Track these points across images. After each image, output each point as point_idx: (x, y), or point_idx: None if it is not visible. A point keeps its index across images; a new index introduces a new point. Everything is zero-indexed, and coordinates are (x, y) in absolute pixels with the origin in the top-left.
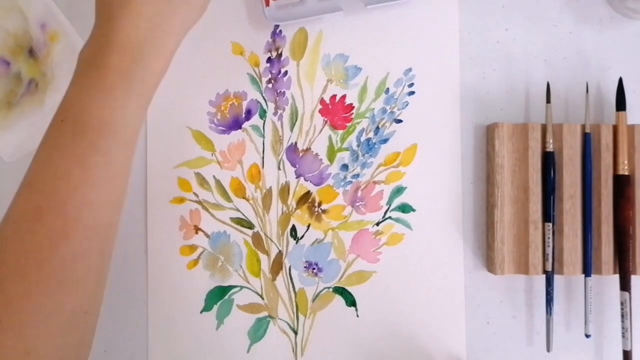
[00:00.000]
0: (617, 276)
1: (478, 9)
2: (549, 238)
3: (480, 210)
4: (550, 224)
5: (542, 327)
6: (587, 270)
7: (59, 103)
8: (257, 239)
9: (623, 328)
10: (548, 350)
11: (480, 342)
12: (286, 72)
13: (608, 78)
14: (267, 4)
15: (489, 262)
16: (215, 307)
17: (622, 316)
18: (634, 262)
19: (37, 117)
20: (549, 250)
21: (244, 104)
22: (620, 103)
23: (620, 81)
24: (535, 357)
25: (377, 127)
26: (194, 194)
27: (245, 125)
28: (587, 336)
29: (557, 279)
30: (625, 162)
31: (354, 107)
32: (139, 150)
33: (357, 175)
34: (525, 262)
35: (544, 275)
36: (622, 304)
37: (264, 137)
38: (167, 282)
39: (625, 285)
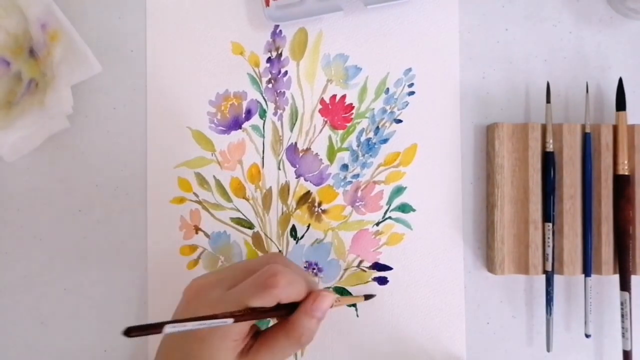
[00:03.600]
0: (617, 276)
1: (478, 9)
2: (549, 238)
3: (480, 210)
4: (550, 224)
5: (542, 327)
6: (587, 270)
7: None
8: (257, 239)
9: (623, 328)
10: (548, 350)
11: (480, 342)
12: (286, 72)
13: (608, 78)
14: (267, 4)
15: (489, 262)
16: None
17: (622, 316)
18: (634, 262)
19: (37, 117)
20: (549, 250)
21: (244, 104)
22: (620, 103)
23: (620, 81)
24: (535, 357)
25: (377, 127)
26: (194, 193)
27: (245, 125)
28: (587, 336)
29: (557, 279)
30: (625, 162)
31: (353, 107)
32: (138, 150)
33: (357, 175)
34: (525, 262)
35: (544, 275)
36: (622, 304)
37: (264, 137)
38: (167, 282)
39: (625, 285)
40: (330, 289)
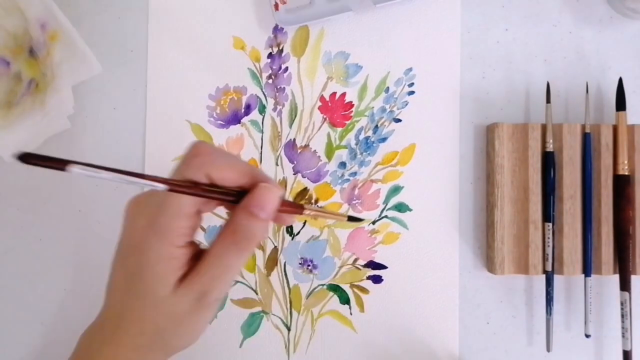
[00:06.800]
0: (617, 276)
1: (478, 9)
2: (549, 238)
3: (480, 210)
4: (550, 224)
5: (542, 327)
6: (587, 270)
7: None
8: None
9: (623, 328)
10: (548, 350)
11: (480, 342)
12: (287, 68)
13: (608, 78)
14: (277, 9)
15: (489, 262)
16: None
17: (622, 316)
18: (634, 262)
19: (37, 117)
20: (549, 250)
21: (244, 99)
22: (620, 103)
23: (620, 81)
24: (535, 357)
25: (376, 126)
26: None
27: (245, 120)
28: (587, 336)
29: (557, 279)
30: (625, 162)
31: (353, 105)
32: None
33: (355, 174)
34: (525, 262)
35: (544, 275)
36: (622, 304)
37: (262, 132)
38: None
39: (625, 285)
40: (325, 287)
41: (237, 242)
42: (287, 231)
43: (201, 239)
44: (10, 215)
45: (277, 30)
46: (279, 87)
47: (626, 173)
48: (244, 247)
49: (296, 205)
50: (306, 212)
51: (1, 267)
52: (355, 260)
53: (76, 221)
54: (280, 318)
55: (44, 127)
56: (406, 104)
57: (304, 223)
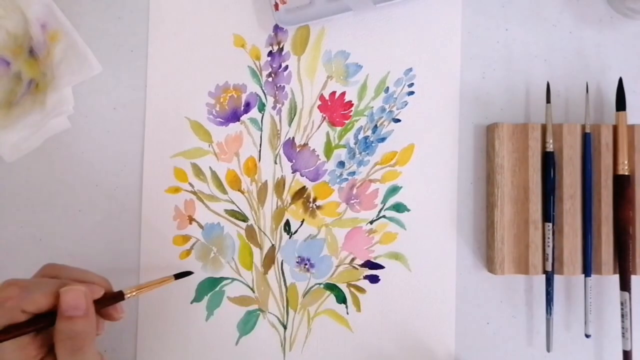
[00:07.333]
0: (617, 276)
1: (478, 9)
2: (549, 238)
3: (480, 210)
4: (550, 224)
5: (542, 327)
6: (587, 270)
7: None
8: (250, 232)
9: (623, 328)
10: (548, 350)
11: (480, 342)
12: (287, 67)
13: (608, 78)
14: (277, 9)
15: (489, 262)
16: (206, 298)
17: (622, 316)
18: (634, 262)
19: (38, 117)
20: (549, 250)
21: (243, 97)
22: (620, 103)
23: (620, 81)
24: (535, 357)
25: (375, 126)
26: (190, 184)
27: (244, 118)
28: (587, 336)
29: (557, 279)
30: (625, 162)
31: (353, 104)
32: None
33: (353, 173)
34: (525, 262)
35: (544, 275)
36: (622, 304)
37: (261, 130)
38: (159, 271)
39: (625, 285)
40: (321, 286)
41: (69, 346)
42: (285, 229)
43: (198, 236)
44: (10, 215)
45: (277, 28)
46: (278, 85)
47: (626, 173)
48: (78, 346)
49: (114, 294)
50: (127, 296)
51: (1, 267)
52: (353, 259)
53: (76, 221)
54: (276, 316)
55: (44, 127)
56: (406, 104)
57: (302, 222)
